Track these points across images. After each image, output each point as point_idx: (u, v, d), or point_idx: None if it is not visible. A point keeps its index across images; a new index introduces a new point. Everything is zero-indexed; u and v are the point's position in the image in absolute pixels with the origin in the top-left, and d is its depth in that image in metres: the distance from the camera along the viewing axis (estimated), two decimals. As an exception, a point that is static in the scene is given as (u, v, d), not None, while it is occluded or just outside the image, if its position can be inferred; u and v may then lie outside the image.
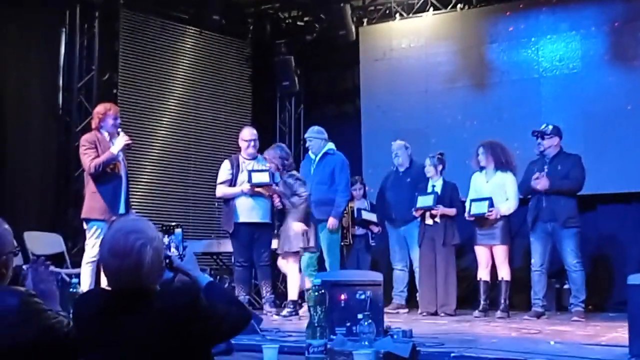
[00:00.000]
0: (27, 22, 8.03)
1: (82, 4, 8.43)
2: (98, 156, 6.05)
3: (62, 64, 8.40)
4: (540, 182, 6.41)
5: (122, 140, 6.14)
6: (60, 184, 8.08)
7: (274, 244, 7.02)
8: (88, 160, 6.06)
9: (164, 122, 9.25)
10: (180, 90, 9.44)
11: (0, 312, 2.31)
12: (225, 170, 7.00)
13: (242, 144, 7.08)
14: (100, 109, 6.33)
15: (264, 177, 6.83)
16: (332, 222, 6.91)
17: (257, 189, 6.79)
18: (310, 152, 7.27)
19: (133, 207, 8.43)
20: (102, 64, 8.63)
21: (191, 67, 9.57)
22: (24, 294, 2.39)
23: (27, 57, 8.06)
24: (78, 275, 6.00)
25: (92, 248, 6.05)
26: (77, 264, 6.53)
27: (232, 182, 6.93)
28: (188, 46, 9.57)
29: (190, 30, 9.58)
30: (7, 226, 2.55)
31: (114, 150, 6.09)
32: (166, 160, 9.11)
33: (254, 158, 7.07)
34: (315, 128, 7.44)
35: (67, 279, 5.46)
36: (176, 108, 9.37)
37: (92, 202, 6.08)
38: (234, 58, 9.98)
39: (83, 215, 6.16)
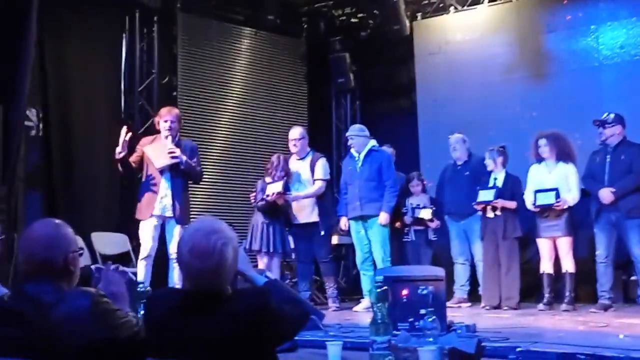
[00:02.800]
0: (90, 29, 8.25)
1: (141, 9, 8.61)
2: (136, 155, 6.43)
3: (124, 68, 8.61)
4: (605, 198, 6.33)
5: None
6: (124, 185, 8.28)
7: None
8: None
9: (223, 123, 9.39)
10: (238, 91, 9.56)
11: (73, 313, 2.37)
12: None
13: (289, 144, 7.40)
14: (161, 111, 6.67)
15: (277, 187, 6.99)
16: (384, 216, 6.90)
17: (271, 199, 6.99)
18: (352, 151, 7.25)
19: (196, 206, 8.67)
20: (162, 67, 8.82)
21: (248, 68, 9.67)
22: (95, 295, 2.45)
23: (90, 63, 8.28)
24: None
25: (142, 245, 6.38)
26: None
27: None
28: (244, 47, 9.68)
29: (246, 31, 9.69)
30: (70, 229, 2.63)
31: (157, 165, 6.37)
32: (226, 160, 9.23)
33: (302, 158, 7.32)
34: (357, 126, 7.50)
35: (134, 278, 5.61)
36: (234, 108, 9.50)
37: (140, 203, 6.46)
38: (289, 57, 10.05)
39: (136, 216, 6.51)
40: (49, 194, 7.77)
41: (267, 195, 6.98)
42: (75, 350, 2.31)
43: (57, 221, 2.65)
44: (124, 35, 8.62)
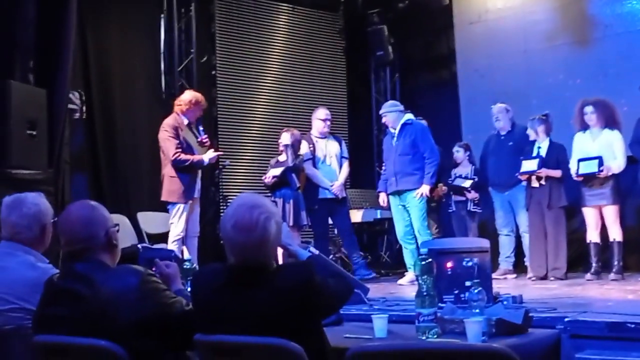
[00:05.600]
0: (128, 11, 8.34)
1: (178, -11, 8.66)
2: (180, 143, 6.45)
3: (163, 48, 8.67)
4: None
5: (212, 154, 6.64)
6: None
7: None
8: (173, 149, 6.44)
9: (262, 100, 9.42)
10: (276, 67, 9.56)
11: (122, 290, 2.44)
12: (306, 149, 7.41)
13: (318, 123, 7.51)
14: (191, 98, 6.69)
15: (276, 172, 7.13)
16: (425, 189, 6.84)
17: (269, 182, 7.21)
18: (390, 128, 7.21)
19: (235, 183, 8.77)
20: (200, 47, 8.85)
21: (286, 44, 9.66)
22: (144, 274, 2.52)
23: (130, 45, 8.37)
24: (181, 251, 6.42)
25: (176, 227, 6.50)
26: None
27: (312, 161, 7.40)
28: (282, 23, 9.66)
29: (283, 7, 9.66)
30: (104, 209, 2.74)
31: (206, 159, 6.57)
32: (265, 137, 9.26)
33: (325, 137, 7.52)
34: (389, 102, 7.49)
35: (180, 256, 5.70)
36: (273, 85, 9.51)
37: (171, 186, 6.53)
38: (327, 31, 10.01)
39: (163, 198, 6.61)
40: (94, 176, 7.93)
41: (274, 177, 7.15)
42: (124, 326, 2.38)
43: (92, 202, 2.75)
44: (162, 15, 8.66)
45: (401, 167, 6.94)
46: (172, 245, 6.44)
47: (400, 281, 7.01)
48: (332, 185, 7.32)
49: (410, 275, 6.82)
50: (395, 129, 7.08)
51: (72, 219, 2.65)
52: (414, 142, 6.94)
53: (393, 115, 7.10)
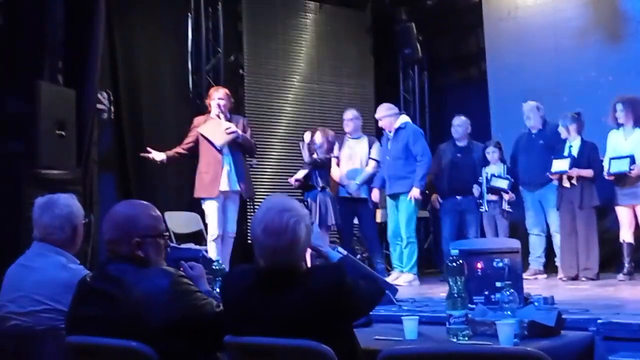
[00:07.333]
0: (155, 10, 8.37)
1: (205, -12, 8.67)
2: (191, 139, 6.71)
3: (190, 48, 8.69)
4: None
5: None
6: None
7: None
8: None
9: (289, 99, 9.40)
10: (304, 66, 9.54)
11: (154, 292, 2.44)
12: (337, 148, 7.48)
13: (343, 124, 7.62)
14: (210, 91, 6.92)
15: (300, 174, 7.23)
16: (413, 192, 6.93)
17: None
18: (386, 131, 7.31)
19: (263, 184, 8.74)
20: (228, 46, 8.86)
21: (313, 42, 9.63)
22: (175, 275, 2.51)
23: (157, 44, 8.40)
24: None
25: (210, 225, 6.58)
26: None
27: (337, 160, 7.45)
28: (309, 21, 9.63)
29: (310, 5, 9.64)
30: (148, 212, 2.69)
31: (218, 144, 6.58)
32: (293, 136, 9.24)
33: (356, 137, 7.57)
34: (384, 106, 7.52)
35: (209, 256, 5.70)
36: (300, 84, 9.49)
37: (198, 181, 6.66)
38: (354, 30, 9.96)
39: (195, 195, 6.73)
40: (122, 176, 7.95)
41: (296, 180, 7.22)
42: (156, 328, 2.38)
43: (132, 202, 2.73)
44: (189, 14, 8.68)
45: (394, 171, 7.09)
46: (210, 244, 6.52)
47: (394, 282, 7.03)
48: (347, 184, 7.34)
49: (395, 275, 7.01)
50: (390, 132, 7.22)
51: (105, 220, 2.65)
52: (407, 146, 7.06)
53: (388, 120, 7.22)
